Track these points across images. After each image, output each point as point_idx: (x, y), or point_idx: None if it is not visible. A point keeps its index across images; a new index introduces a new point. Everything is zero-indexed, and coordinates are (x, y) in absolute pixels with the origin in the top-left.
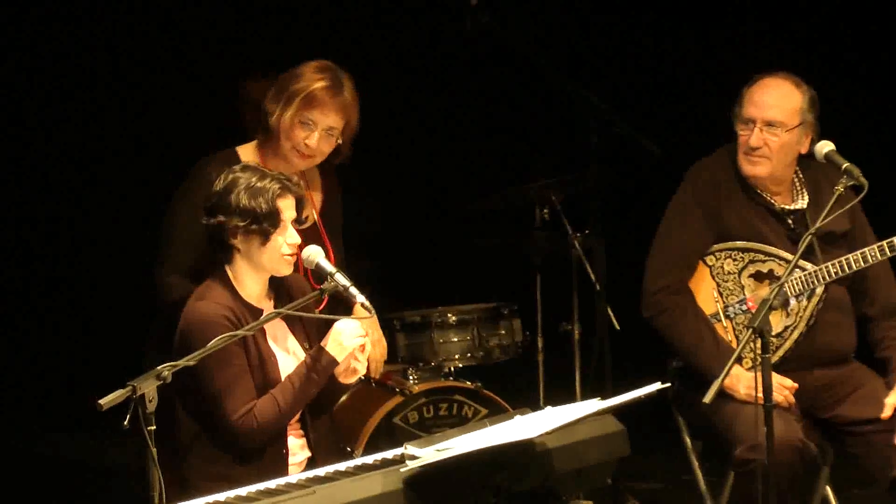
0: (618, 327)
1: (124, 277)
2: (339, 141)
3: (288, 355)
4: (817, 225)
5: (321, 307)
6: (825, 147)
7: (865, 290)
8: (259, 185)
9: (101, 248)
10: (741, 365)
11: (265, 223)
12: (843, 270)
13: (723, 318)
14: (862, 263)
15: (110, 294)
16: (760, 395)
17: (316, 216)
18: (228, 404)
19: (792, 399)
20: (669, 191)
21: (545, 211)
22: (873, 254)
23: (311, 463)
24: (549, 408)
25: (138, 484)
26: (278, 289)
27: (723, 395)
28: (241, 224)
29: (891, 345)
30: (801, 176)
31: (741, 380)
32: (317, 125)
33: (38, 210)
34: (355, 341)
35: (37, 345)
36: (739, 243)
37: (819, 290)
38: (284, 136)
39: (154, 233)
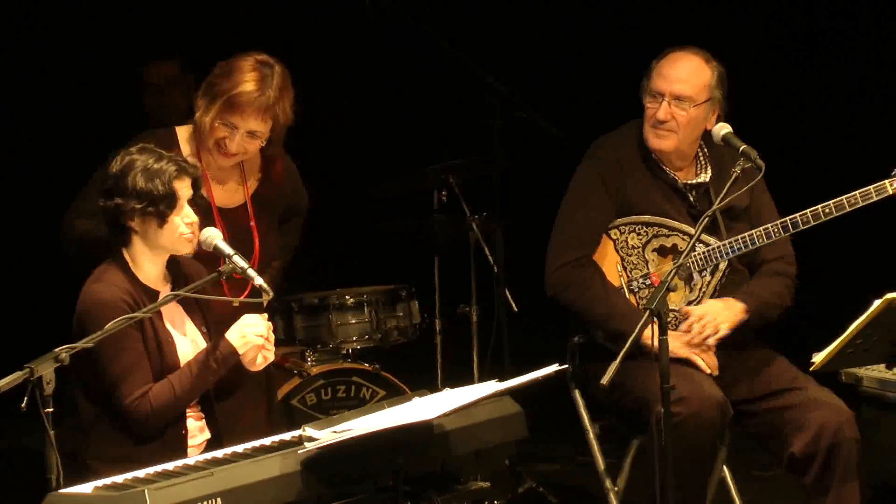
0: (515, 309)
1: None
2: (263, 143)
3: (186, 339)
4: (715, 207)
5: (245, 294)
6: (722, 129)
7: (759, 264)
8: (155, 167)
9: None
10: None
11: (161, 205)
12: (746, 246)
13: (626, 293)
14: (765, 239)
15: (22, 274)
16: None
17: (247, 198)
18: (123, 388)
19: (715, 369)
20: (570, 173)
21: (443, 194)
22: (776, 230)
23: (211, 445)
24: (447, 390)
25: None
26: (176, 272)
27: (632, 357)
28: (138, 206)
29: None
30: (705, 151)
31: (672, 339)
32: (237, 129)
33: None
34: (256, 339)
35: None
36: (644, 217)
37: (722, 266)
38: (206, 134)
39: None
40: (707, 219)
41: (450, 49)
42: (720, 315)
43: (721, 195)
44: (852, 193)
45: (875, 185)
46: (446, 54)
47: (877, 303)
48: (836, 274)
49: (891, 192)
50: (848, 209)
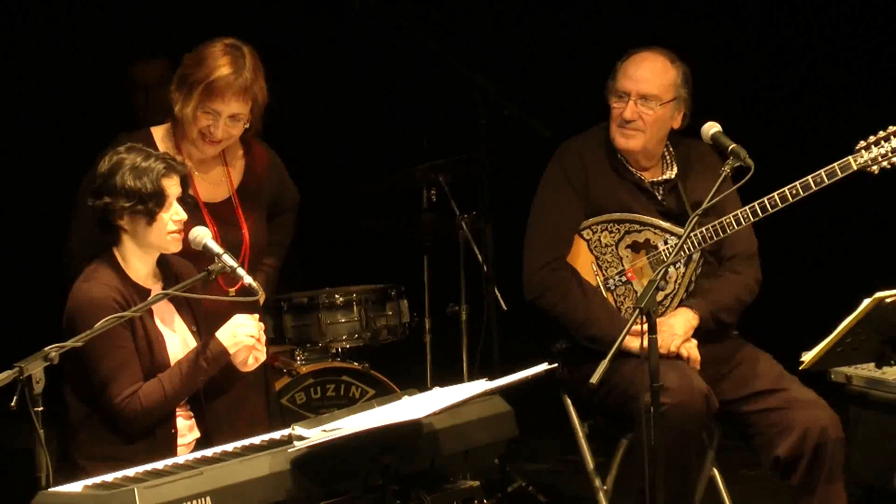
0: (505, 308)
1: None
2: (247, 125)
3: (176, 338)
4: (704, 206)
5: (236, 288)
6: (712, 128)
7: (726, 256)
8: (144, 165)
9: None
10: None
11: (150, 203)
12: (717, 234)
13: (603, 291)
14: (735, 226)
15: (11, 273)
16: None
17: (232, 192)
18: (113, 387)
19: (697, 361)
20: None
21: (432, 192)
22: (745, 216)
23: (201, 444)
24: (436, 389)
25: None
26: (165, 271)
27: (618, 354)
28: (127, 205)
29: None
30: (671, 150)
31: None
32: (220, 114)
33: None
34: (247, 339)
35: None
36: (615, 215)
37: (696, 257)
38: (189, 125)
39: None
40: (697, 218)
41: (437, 48)
42: (667, 336)
43: (711, 194)
44: (817, 172)
45: (839, 161)
46: (434, 53)
47: (866, 302)
48: (825, 273)
49: (855, 168)
50: (815, 188)
